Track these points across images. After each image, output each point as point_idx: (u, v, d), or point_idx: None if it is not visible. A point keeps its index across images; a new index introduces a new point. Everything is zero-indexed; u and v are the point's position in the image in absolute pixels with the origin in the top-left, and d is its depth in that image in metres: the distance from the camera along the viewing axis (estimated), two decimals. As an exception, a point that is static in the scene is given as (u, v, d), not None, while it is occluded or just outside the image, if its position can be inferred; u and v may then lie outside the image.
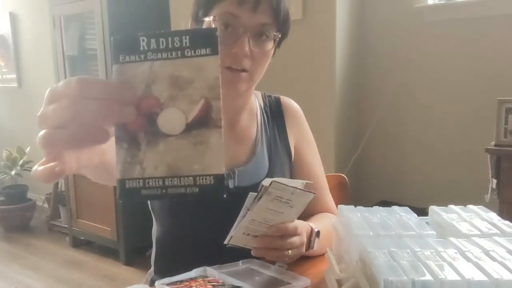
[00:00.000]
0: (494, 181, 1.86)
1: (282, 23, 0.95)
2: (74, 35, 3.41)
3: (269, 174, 1.05)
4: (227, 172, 1.02)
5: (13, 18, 4.47)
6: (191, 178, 0.44)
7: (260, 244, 0.88)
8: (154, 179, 0.44)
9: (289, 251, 0.89)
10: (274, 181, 0.78)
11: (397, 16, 2.56)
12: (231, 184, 1.02)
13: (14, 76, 4.54)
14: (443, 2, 2.46)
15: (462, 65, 2.39)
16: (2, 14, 4.52)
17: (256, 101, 1.13)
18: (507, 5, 2.24)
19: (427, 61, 2.49)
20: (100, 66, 3.07)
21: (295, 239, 0.89)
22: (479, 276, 0.61)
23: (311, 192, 0.82)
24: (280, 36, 0.96)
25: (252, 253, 0.90)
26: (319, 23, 2.47)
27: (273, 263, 0.94)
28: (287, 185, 0.79)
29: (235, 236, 0.86)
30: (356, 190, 2.67)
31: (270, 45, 0.95)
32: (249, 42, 0.91)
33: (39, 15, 4.07)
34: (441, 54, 2.44)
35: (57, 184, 3.90)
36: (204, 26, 0.94)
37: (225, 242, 0.88)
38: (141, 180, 0.44)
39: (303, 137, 1.16)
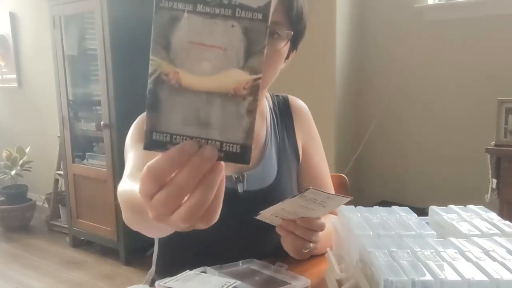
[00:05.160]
0: (494, 181, 1.86)
1: (295, 22, 0.93)
2: (74, 35, 3.41)
3: (278, 178, 1.05)
4: (236, 176, 1.01)
5: (13, 18, 4.47)
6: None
7: (285, 226, 0.89)
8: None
9: (311, 244, 0.90)
10: (311, 188, 0.78)
11: (397, 16, 2.56)
12: (240, 188, 1.01)
13: (14, 76, 4.54)
14: (443, 2, 2.46)
15: (462, 65, 2.39)
16: (2, 14, 4.52)
17: (266, 103, 1.12)
18: (507, 5, 2.24)
19: (427, 61, 2.49)
20: (100, 66, 3.07)
21: (319, 234, 0.90)
22: (479, 276, 0.61)
23: (347, 197, 0.83)
24: (293, 34, 0.94)
25: (277, 229, 0.91)
26: (319, 23, 2.47)
27: (273, 263, 0.94)
28: (323, 192, 0.80)
29: (263, 214, 0.87)
30: (356, 190, 2.67)
31: (281, 44, 0.93)
32: None
33: (39, 15, 4.07)
34: (441, 54, 2.44)
35: (57, 184, 3.90)
36: None
37: (255, 216, 0.89)
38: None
39: (310, 138, 1.16)
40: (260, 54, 0.41)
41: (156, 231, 0.75)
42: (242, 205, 0.98)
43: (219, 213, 0.45)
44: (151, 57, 0.41)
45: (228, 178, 1.01)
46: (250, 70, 0.41)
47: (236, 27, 0.40)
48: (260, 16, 0.40)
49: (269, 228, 0.91)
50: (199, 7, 0.40)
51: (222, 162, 0.43)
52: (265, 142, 1.08)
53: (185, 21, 0.40)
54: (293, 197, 0.81)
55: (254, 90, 0.41)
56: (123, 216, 0.77)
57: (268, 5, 0.40)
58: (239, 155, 0.42)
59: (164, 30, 0.41)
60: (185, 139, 0.42)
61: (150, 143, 0.42)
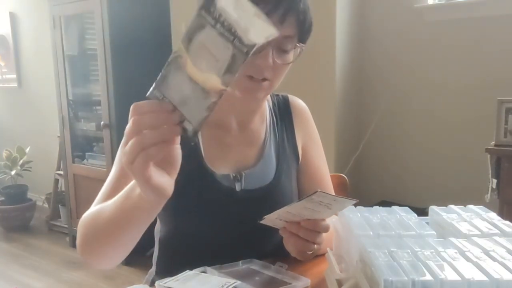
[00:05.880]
0: (494, 181, 1.86)
1: (305, 34, 0.94)
2: (74, 35, 3.41)
3: (276, 177, 1.04)
4: (234, 175, 1.01)
5: (13, 18, 4.47)
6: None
7: (289, 228, 0.89)
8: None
9: (315, 246, 0.90)
10: (319, 191, 0.79)
11: (397, 16, 2.56)
12: (238, 187, 1.01)
13: (14, 76, 4.55)
14: (443, 2, 2.46)
15: (462, 65, 2.39)
16: (2, 14, 4.52)
17: (265, 102, 1.11)
18: (507, 5, 2.24)
19: (427, 61, 2.49)
20: (100, 66, 3.07)
21: (323, 236, 0.90)
22: (479, 276, 0.61)
23: (353, 199, 0.83)
24: (301, 44, 0.94)
25: (280, 231, 0.90)
26: (319, 23, 2.47)
27: (273, 263, 0.94)
28: (330, 194, 0.80)
29: (268, 218, 0.88)
30: (356, 190, 2.67)
31: (292, 57, 0.94)
32: (273, 54, 0.90)
33: (39, 15, 4.07)
34: (441, 54, 2.44)
35: (57, 184, 3.90)
36: None
37: (259, 221, 0.89)
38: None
39: (310, 138, 1.15)
40: (234, 74, 0.56)
41: (117, 248, 0.87)
42: (240, 204, 0.98)
43: (179, 161, 0.63)
44: (180, 42, 0.57)
45: (226, 176, 1.01)
46: (224, 82, 0.57)
47: (229, 49, 0.56)
48: (245, 50, 0.55)
49: (268, 228, 0.91)
50: (218, 26, 0.55)
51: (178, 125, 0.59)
52: (264, 141, 1.07)
53: (207, 30, 0.56)
54: (300, 200, 0.81)
55: (219, 96, 0.57)
56: (80, 244, 0.88)
57: (254, 46, 0.55)
58: (190, 132, 0.59)
59: (194, 30, 0.57)
60: (168, 102, 0.59)
61: (151, 93, 0.59)
